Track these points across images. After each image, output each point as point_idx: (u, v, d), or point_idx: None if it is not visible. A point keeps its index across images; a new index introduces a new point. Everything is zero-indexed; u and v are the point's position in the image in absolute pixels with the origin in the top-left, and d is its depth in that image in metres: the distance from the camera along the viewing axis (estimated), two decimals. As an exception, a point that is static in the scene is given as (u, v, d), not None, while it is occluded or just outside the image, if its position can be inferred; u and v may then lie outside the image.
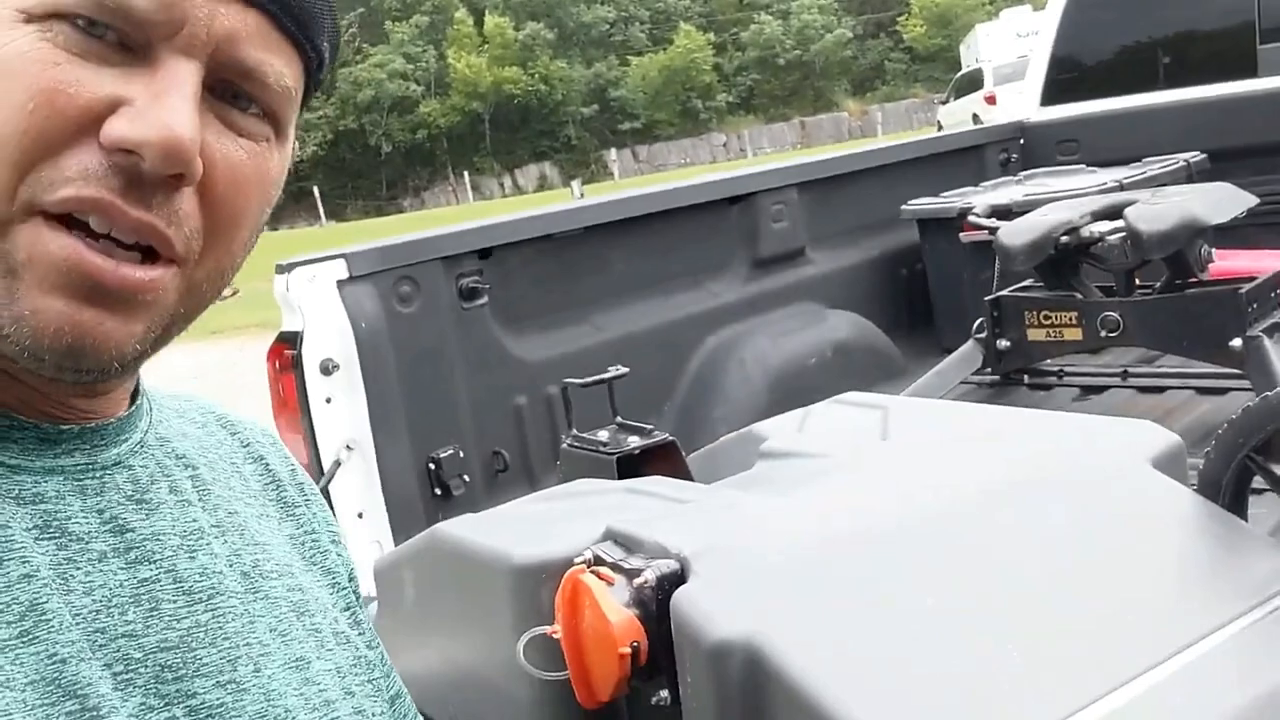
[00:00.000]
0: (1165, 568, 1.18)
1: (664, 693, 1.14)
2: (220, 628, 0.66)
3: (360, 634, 0.79)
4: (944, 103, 25.19)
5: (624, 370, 1.88)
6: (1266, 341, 2.29)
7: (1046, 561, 1.16)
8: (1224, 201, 2.44)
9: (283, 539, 0.76)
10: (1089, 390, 2.81)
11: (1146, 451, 1.32)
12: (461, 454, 2.42)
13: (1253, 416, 1.24)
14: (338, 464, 2.23)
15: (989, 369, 2.79)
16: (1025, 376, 2.87)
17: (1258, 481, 1.32)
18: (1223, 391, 2.56)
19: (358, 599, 0.83)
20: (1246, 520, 1.29)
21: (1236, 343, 2.31)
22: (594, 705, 1.16)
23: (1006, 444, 1.40)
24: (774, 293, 3.18)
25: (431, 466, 2.38)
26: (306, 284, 2.19)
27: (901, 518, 1.21)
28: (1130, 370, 2.79)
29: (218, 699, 0.64)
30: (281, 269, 2.22)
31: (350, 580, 0.82)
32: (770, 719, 1.03)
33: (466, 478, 2.42)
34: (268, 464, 0.80)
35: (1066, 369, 2.88)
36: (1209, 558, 1.18)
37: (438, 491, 2.38)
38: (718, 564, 1.12)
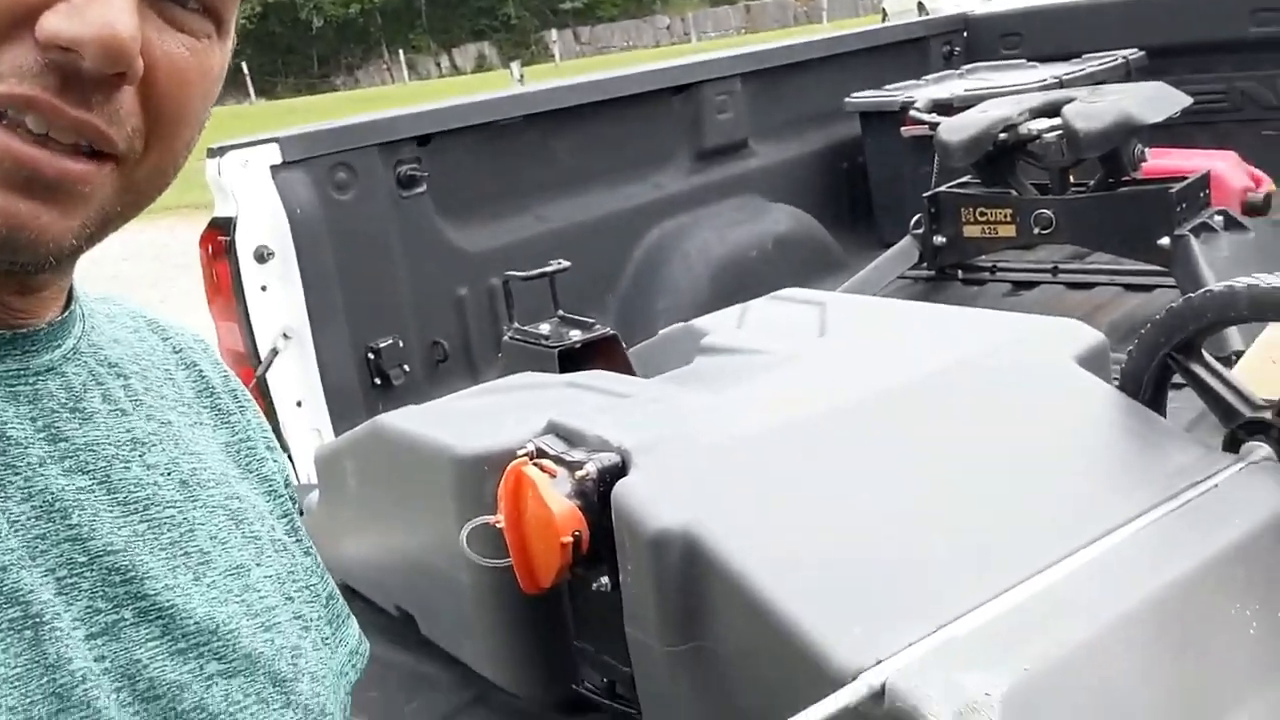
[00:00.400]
0: (1086, 460, 1.23)
1: (604, 579, 1.17)
2: (158, 537, 0.66)
3: (297, 541, 0.79)
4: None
5: (566, 264, 1.88)
6: (1193, 241, 2.35)
7: (973, 453, 1.21)
8: (1159, 101, 2.47)
9: (217, 447, 0.76)
10: (1020, 286, 2.87)
11: (1072, 349, 1.36)
12: (401, 344, 2.42)
13: (1175, 317, 1.28)
14: (275, 353, 2.21)
15: (925, 264, 2.83)
16: (959, 272, 2.92)
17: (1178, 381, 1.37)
18: (1149, 289, 2.63)
19: (294, 505, 0.83)
20: (1165, 416, 1.34)
21: (1164, 241, 2.36)
22: (536, 590, 1.19)
23: (939, 340, 1.44)
24: (717, 185, 3.17)
25: (371, 356, 2.38)
26: (239, 169, 2.15)
27: (836, 411, 1.25)
28: (1060, 266, 2.85)
29: (168, 600, 0.64)
30: (213, 152, 2.16)
31: (286, 486, 0.82)
32: (707, 603, 1.07)
33: (406, 368, 2.42)
34: (201, 371, 0.79)
35: (999, 264, 2.93)
36: (1127, 451, 1.24)
37: (377, 381, 2.38)
38: (657, 457, 1.15)
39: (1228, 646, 1.00)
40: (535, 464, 1.17)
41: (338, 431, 2.25)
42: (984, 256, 2.89)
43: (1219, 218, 2.45)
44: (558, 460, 1.18)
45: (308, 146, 2.26)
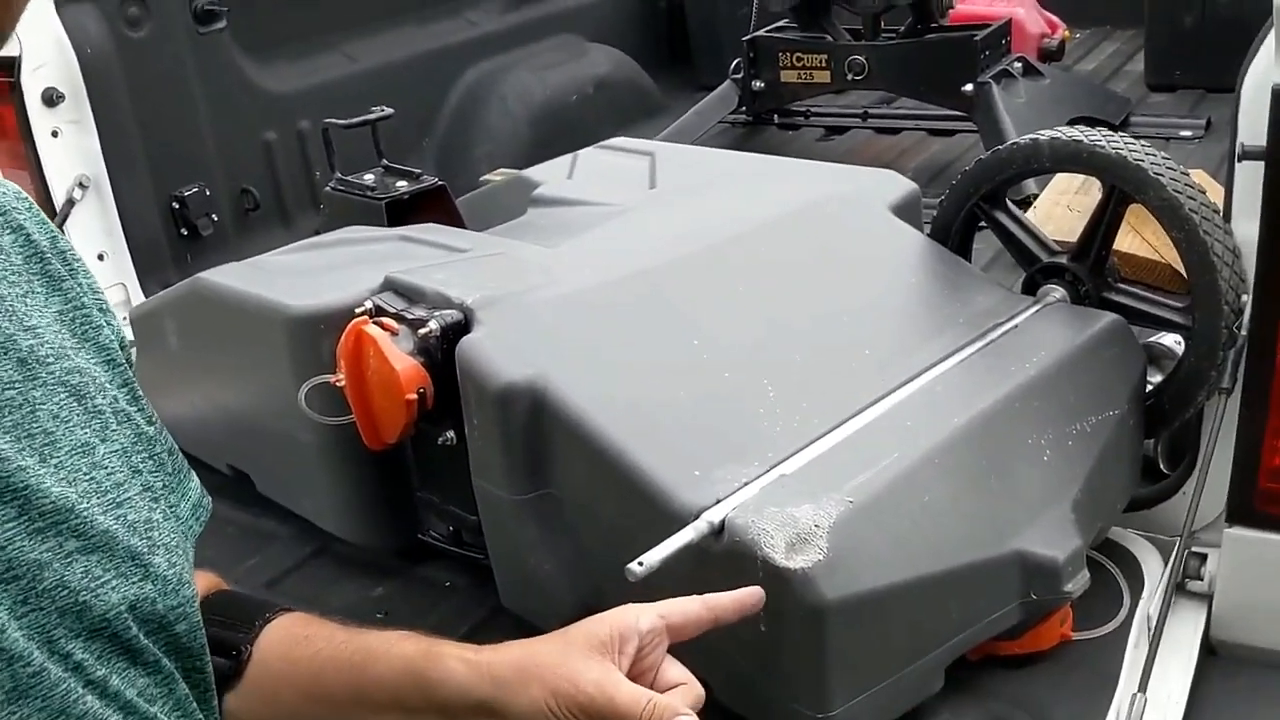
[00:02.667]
0: (902, 304, 1.31)
1: (450, 434, 1.19)
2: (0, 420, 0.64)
3: (139, 409, 0.77)
4: None
5: (389, 111, 1.81)
6: (994, 88, 2.46)
7: (799, 300, 1.27)
8: (968, -52, 2.53)
9: (51, 317, 0.72)
10: (832, 131, 2.95)
11: (889, 198, 1.43)
12: (208, 192, 2.30)
13: (983, 168, 1.35)
14: (71, 203, 2.07)
15: (744, 109, 2.86)
16: (775, 117, 2.97)
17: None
18: (952, 134, 2.75)
19: (132, 370, 0.81)
20: (970, 261, 1.43)
21: (968, 88, 2.46)
22: (380, 447, 1.20)
23: (765, 191, 1.48)
24: (534, 23, 3.08)
25: (176, 205, 2.25)
26: (18, 2, 1.95)
27: (670, 263, 1.28)
28: (870, 111, 2.94)
29: (21, 481, 0.63)
30: (-13, -16, 1.96)
31: (123, 349, 0.80)
32: (553, 453, 1.11)
33: (215, 217, 2.31)
34: (28, 234, 0.74)
35: (812, 109, 3.00)
36: (939, 295, 1.32)
37: (184, 232, 2.27)
38: (500, 312, 1.16)
39: (1025, 471, 1.11)
40: (376, 322, 1.16)
41: (144, 285, 2.15)
42: (799, 102, 2.95)
43: (1018, 64, 2.56)
44: (398, 318, 1.17)
45: None
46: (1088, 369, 1.20)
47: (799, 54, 2.68)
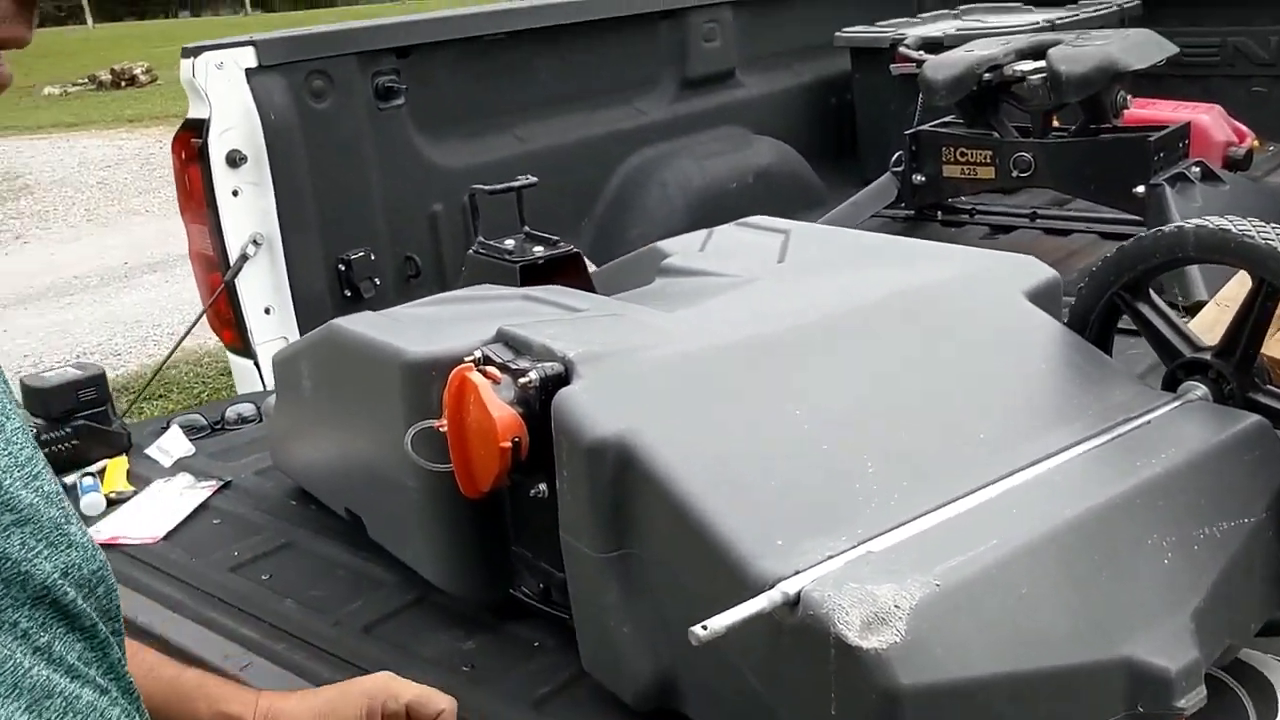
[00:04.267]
0: (1025, 391, 1.24)
1: (542, 486, 1.19)
2: None
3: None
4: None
5: (533, 179, 1.87)
6: (1168, 190, 2.36)
7: (914, 378, 1.22)
8: (1145, 47, 2.45)
9: None
10: (998, 229, 2.88)
11: (1024, 283, 1.37)
12: (373, 256, 2.42)
13: (1124, 256, 1.29)
14: (244, 258, 2.21)
15: (903, 203, 2.83)
16: (939, 213, 2.92)
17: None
18: (1125, 237, 2.62)
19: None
20: (1110, 354, 1.36)
21: (1140, 189, 2.36)
22: (475, 495, 1.21)
23: (894, 269, 1.44)
24: (701, 114, 3.15)
25: (342, 267, 2.38)
26: (214, 70, 2.13)
27: (783, 332, 1.26)
28: (1039, 212, 2.85)
29: None
30: (188, 53, 2.14)
31: None
32: (637, 511, 1.09)
33: (377, 280, 2.42)
34: None
35: (979, 207, 2.93)
36: (1067, 385, 1.25)
37: (348, 293, 2.38)
38: (600, 367, 1.16)
39: (1142, 573, 1.02)
40: (480, 370, 1.18)
41: (306, 342, 2.26)
42: (965, 199, 2.90)
43: (1196, 169, 2.44)
44: (502, 367, 1.19)
45: (284, 51, 2.23)
46: (1222, 471, 1.10)
47: (963, 149, 2.64)
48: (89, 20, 29.10)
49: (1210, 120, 2.89)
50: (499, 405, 1.15)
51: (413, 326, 1.41)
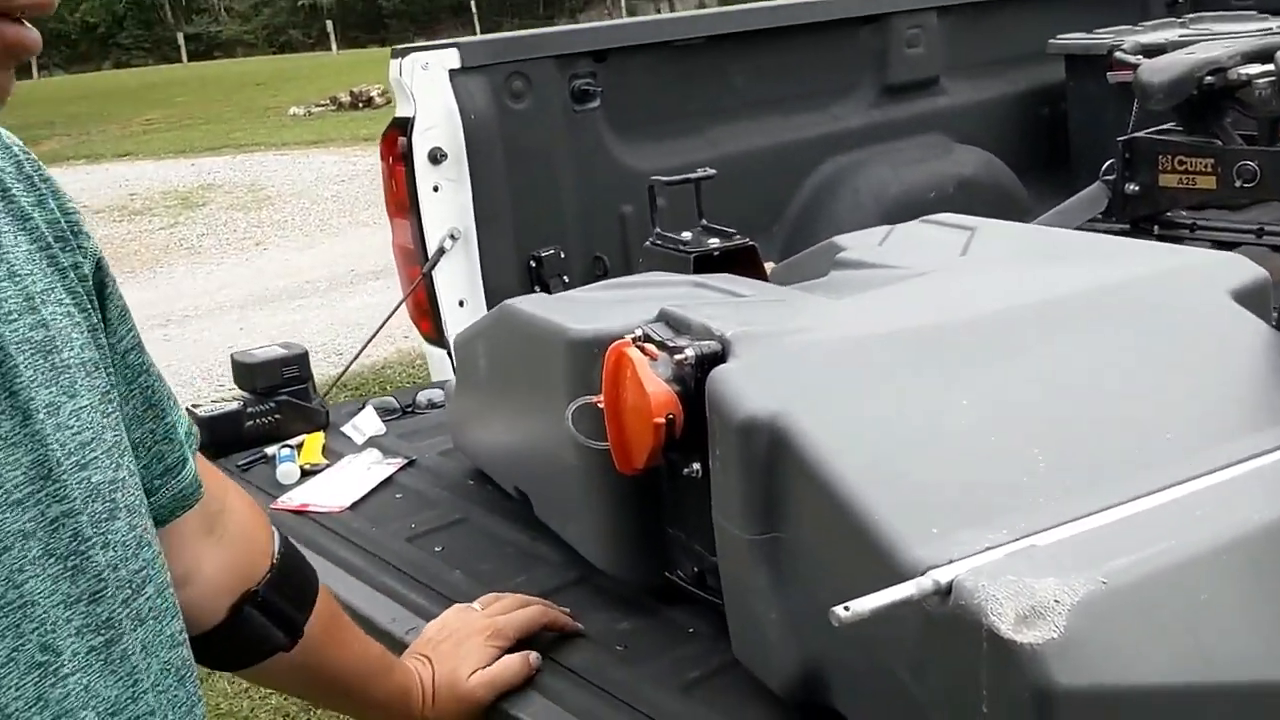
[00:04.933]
0: (1222, 393, 1.14)
1: (696, 465, 1.18)
2: None
3: (98, 346, 0.73)
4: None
5: (711, 171, 1.87)
6: None
7: (1099, 375, 1.14)
8: (1394, 47, 2.23)
9: (23, 257, 0.68)
10: (1221, 245, 2.67)
11: (1228, 282, 1.27)
12: (563, 255, 2.47)
13: (1345, 250, 1.17)
14: (441, 251, 2.30)
15: (1113, 215, 2.67)
16: (1155, 226, 2.75)
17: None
18: (1365, 255, 2.41)
19: (100, 294, 0.76)
20: (1327, 362, 1.23)
21: (1380, 201, 2.15)
22: (630, 471, 1.21)
23: (1087, 264, 1.36)
24: (901, 121, 3.08)
25: (532, 264, 2.44)
26: (419, 71, 2.23)
27: (956, 321, 1.20)
28: (1267, 228, 2.64)
29: (8, 456, 0.62)
30: (396, 53, 2.25)
31: (99, 270, 0.75)
32: (789, 493, 1.06)
33: (566, 279, 2.47)
34: None
35: (1200, 222, 2.74)
36: (1269, 388, 1.15)
37: (537, 289, 2.44)
38: (758, 347, 1.14)
39: (1345, 593, 0.92)
40: (638, 346, 1.18)
41: (497, 335, 2.33)
42: (1184, 212, 2.71)
43: None
44: (660, 345, 1.19)
45: (486, 53, 2.32)
46: None
47: (1181, 156, 2.48)
48: (334, 47, 31.19)
49: None
50: (654, 380, 1.14)
51: (581, 307, 1.42)
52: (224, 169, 12.56)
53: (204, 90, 19.80)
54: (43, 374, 0.66)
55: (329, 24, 32.85)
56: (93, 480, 0.67)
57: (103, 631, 0.67)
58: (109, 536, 0.68)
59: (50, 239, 0.71)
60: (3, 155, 0.71)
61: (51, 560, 0.63)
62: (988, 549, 0.92)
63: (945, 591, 0.89)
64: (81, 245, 0.74)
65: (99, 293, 0.76)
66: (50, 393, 0.66)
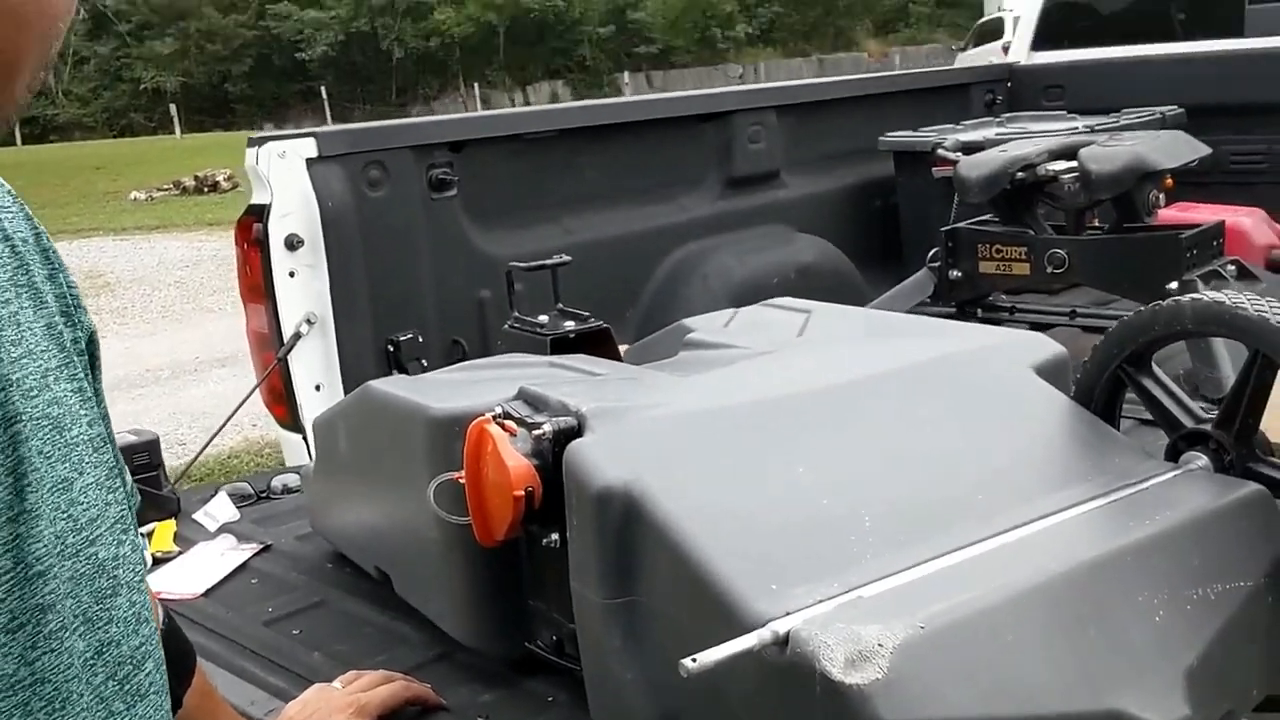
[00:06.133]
0: (1027, 459, 1.27)
1: (555, 535, 1.24)
2: None
3: (101, 416, 0.74)
4: (963, 49, 24.85)
5: (567, 258, 1.96)
6: (1201, 287, 2.37)
7: (917, 443, 1.26)
8: (1175, 147, 2.50)
9: (40, 333, 0.69)
10: (1037, 327, 2.90)
11: (1032, 359, 1.41)
12: (421, 339, 2.51)
13: (1125, 329, 1.32)
14: (297, 336, 2.32)
15: (939, 299, 2.87)
16: (979, 310, 2.96)
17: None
18: (1161, 335, 2.65)
19: (91, 367, 0.76)
20: (1118, 428, 1.38)
21: (1173, 286, 2.38)
22: (491, 543, 1.26)
23: (909, 342, 1.49)
24: (745, 212, 3.25)
25: (390, 348, 2.47)
26: (276, 159, 2.26)
27: (792, 395, 1.31)
28: (1079, 310, 2.88)
29: (10, 534, 0.62)
30: (253, 142, 2.29)
31: (92, 343, 0.76)
32: (641, 558, 1.13)
33: (424, 362, 2.51)
34: (12, 241, 0.69)
35: (1019, 306, 2.97)
36: (1069, 454, 1.28)
37: (394, 372, 2.47)
38: (611, 422, 1.22)
39: (1132, 630, 1.03)
40: (498, 423, 1.24)
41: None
42: (1004, 297, 2.94)
43: (1231, 266, 2.47)
44: (519, 421, 1.25)
45: (344, 143, 2.37)
46: (1219, 536, 1.12)
47: (998, 245, 2.69)
48: (178, 130, 30.52)
49: (1251, 223, 2.92)
50: (514, 455, 1.21)
51: (441, 387, 1.48)
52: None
53: (39, 174, 19.09)
54: (58, 450, 0.66)
55: (173, 108, 32.17)
56: (99, 556, 0.68)
57: (110, 704, 0.68)
58: (112, 613, 0.68)
59: (58, 314, 0.72)
60: (24, 227, 0.71)
61: (66, 634, 0.64)
62: (820, 601, 1.00)
63: (783, 641, 0.97)
64: (81, 320, 0.75)
65: (91, 365, 0.76)
66: (64, 468, 0.67)
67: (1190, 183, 2.78)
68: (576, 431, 1.22)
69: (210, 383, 6.88)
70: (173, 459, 5.21)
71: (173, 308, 9.38)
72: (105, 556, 0.68)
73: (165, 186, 17.20)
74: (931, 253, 2.84)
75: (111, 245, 12.68)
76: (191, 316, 8.98)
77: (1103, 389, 1.36)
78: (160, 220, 14.47)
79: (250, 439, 5.67)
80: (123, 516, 0.72)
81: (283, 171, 2.27)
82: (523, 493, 1.20)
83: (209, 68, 38.05)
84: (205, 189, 16.81)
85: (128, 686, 0.70)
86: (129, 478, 0.83)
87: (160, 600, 1.71)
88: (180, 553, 1.90)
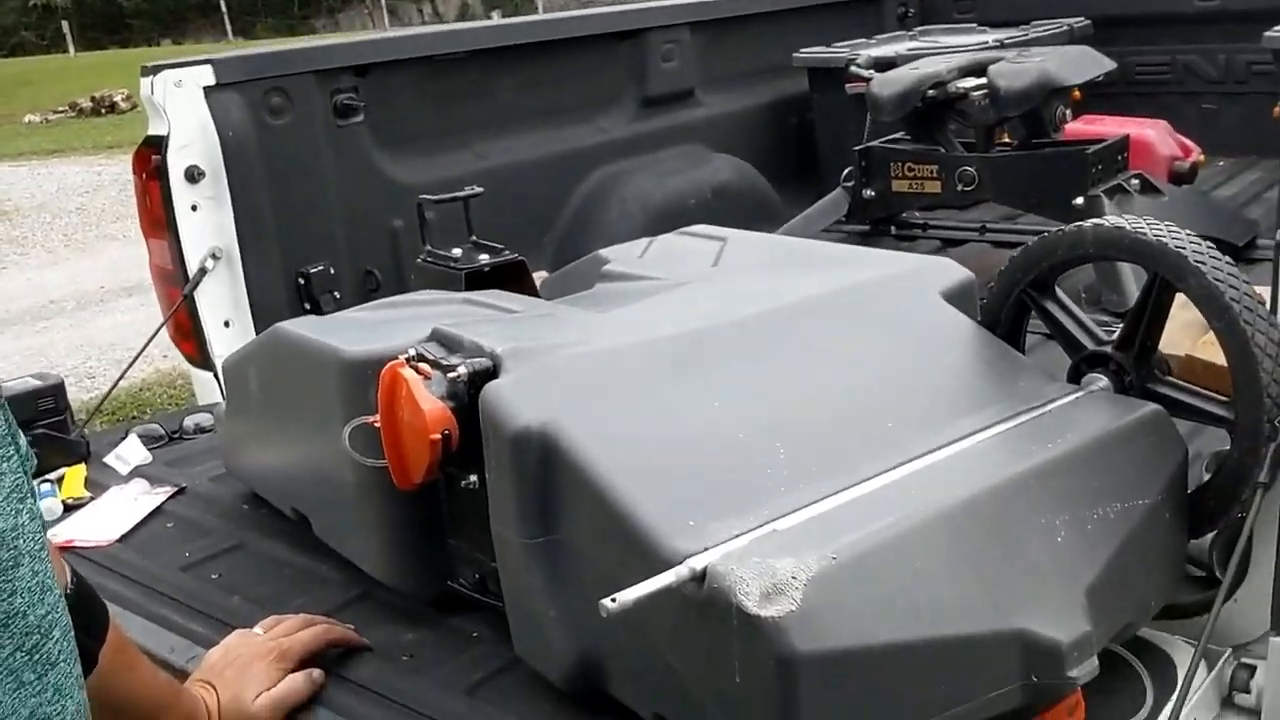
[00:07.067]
0: (934, 383, 1.30)
1: (473, 478, 1.24)
2: None
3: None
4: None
5: (479, 189, 1.92)
6: (1106, 202, 2.42)
7: (829, 372, 1.28)
8: (1081, 63, 2.53)
9: None
10: (949, 243, 2.95)
11: (940, 283, 1.43)
12: (333, 271, 2.46)
13: (1028, 255, 1.35)
14: (203, 272, 2.26)
15: (855, 217, 2.89)
16: (893, 227, 2.99)
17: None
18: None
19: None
20: (1022, 351, 1.41)
21: (1079, 201, 2.43)
22: (408, 487, 1.25)
23: (819, 272, 1.50)
24: (661, 132, 3.21)
25: (301, 281, 2.42)
26: (172, 88, 2.17)
27: (705, 330, 1.31)
28: (989, 225, 2.93)
29: None
30: (146, 71, 2.19)
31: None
32: (560, 498, 1.14)
33: (337, 294, 2.46)
34: None
35: (931, 222, 3.00)
36: (975, 377, 1.31)
37: (307, 306, 2.42)
38: (526, 362, 1.21)
39: (1035, 550, 1.07)
40: (412, 365, 1.23)
41: (268, 355, 2.30)
42: (918, 214, 2.97)
43: (1135, 180, 2.51)
44: (434, 363, 1.24)
45: (242, 70, 2.28)
46: (1117, 456, 1.16)
47: (910, 164, 2.70)
48: (71, 48, 29.15)
49: (1155, 135, 2.96)
50: (429, 399, 1.20)
51: (352, 328, 1.45)
52: (-49, 182, 11.60)
53: (-76, 97, 18.18)
54: None
55: (65, 24, 30.66)
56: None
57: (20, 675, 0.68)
58: (15, 584, 0.68)
59: None
60: None
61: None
62: (736, 536, 1.02)
63: (700, 577, 0.98)
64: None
65: None
66: None
67: (1096, 94, 2.81)
68: (492, 373, 1.21)
69: (117, 313, 6.69)
70: (82, 393, 5.08)
71: (75, 236, 9.06)
72: (3, 528, 0.67)
73: (61, 108, 16.49)
74: (845, 172, 2.85)
75: (7, 171, 12.16)
76: (95, 244, 8.69)
77: (1008, 313, 1.39)
78: (57, 144, 13.89)
79: (162, 370, 5.54)
80: (18, 485, 0.70)
81: (180, 101, 2.18)
82: (439, 436, 1.19)
83: (100, -20, 36.28)
84: (103, 110, 16.16)
85: (37, 656, 0.70)
86: (23, 441, 0.80)
87: (73, 548, 1.70)
88: (92, 498, 1.87)
